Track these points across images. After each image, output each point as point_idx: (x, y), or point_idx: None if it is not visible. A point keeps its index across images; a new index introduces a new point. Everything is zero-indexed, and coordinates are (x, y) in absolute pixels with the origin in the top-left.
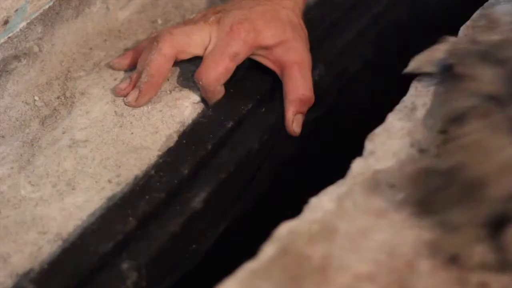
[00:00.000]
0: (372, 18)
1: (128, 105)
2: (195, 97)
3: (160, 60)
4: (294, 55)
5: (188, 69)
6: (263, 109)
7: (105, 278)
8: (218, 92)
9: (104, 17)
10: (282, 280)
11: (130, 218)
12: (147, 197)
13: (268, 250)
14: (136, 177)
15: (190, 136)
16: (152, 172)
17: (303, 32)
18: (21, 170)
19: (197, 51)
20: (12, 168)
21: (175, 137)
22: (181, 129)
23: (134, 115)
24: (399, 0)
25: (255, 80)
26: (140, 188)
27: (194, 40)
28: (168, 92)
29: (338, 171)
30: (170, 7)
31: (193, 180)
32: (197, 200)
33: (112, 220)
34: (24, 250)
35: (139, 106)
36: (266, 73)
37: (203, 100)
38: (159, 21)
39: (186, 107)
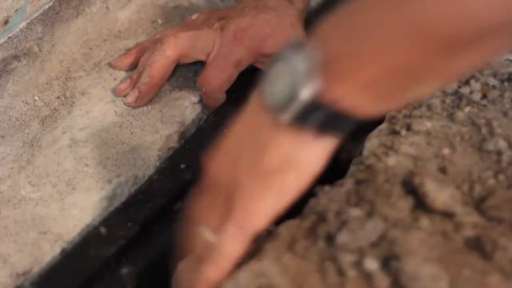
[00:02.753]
0: None
1: (128, 106)
2: (195, 97)
3: (162, 61)
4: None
5: (188, 69)
6: None
7: (105, 283)
8: (220, 98)
9: (104, 17)
10: (283, 279)
11: (133, 223)
12: (149, 202)
13: (268, 249)
14: (136, 177)
15: (192, 141)
16: (155, 176)
17: None
18: (21, 170)
19: (200, 56)
20: (12, 168)
21: (175, 137)
22: (181, 129)
23: (134, 115)
24: None
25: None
26: (143, 192)
27: (198, 45)
28: (168, 92)
29: (339, 173)
30: (170, 7)
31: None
32: None
33: (115, 225)
34: (24, 250)
35: (138, 107)
36: None
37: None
38: (159, 21)
39: (186, 107)
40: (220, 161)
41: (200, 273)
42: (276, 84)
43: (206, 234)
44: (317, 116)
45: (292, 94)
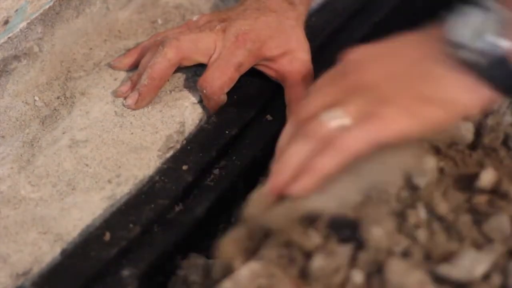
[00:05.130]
0: (373, 26)
1: (128, 108)
2: (195, 97)
3: (164, 64)
4: (297, 65)
5: (188, 69)
6: (267, 117)
7: (106, 285)
8: (221, 100)
9: (104, 17)
10: (283, 279)
11: (134, 225)
12: (151, 203)
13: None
14: (136, 177)
15: (194, 142)
16: (157, 177)
17: (305, 43)
18: (21, 170)
19: (201, 58)
20: (12, 168)
21: (175, 137)
22: (181, 129)
23: (134, 115)
24: (399, 8)
25: (258, 87)
26: (145, 194)
27: (200, 48)
28: (168, 92)
29: None
30: (170, 7)
31: (197, 188)
32: (200, 209)
33: (116, 226)
34: (24, 250)
35: (139, 109)
36: (269, 80)
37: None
38: (159, 21)
39: (186, 107)
40: (377, 76)
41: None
42: (469, 24)
43: (338, 115)
44: (498, 70)
45: (481, 34)
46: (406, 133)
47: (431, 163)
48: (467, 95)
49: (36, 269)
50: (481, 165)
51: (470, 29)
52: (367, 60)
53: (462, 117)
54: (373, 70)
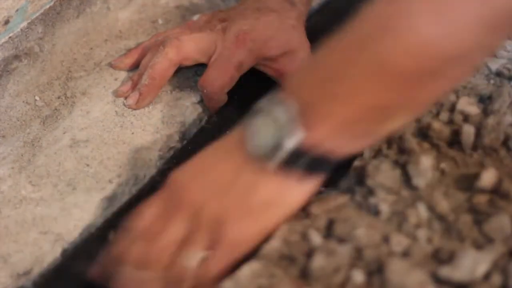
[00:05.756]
0: None
1: (129, 108)
2: (196, 97)
3: (164, 64)
4: (298, 65)
5: (188, 69)
6: None
7: (107, 284)
8: (221, 100)
9: (104, 17)
10: (284, 279)
11: None
12: None
13: (268, 247)
14: (136, 177)
15: (195, 142)
16: (157, 177)
17: (306, 43)
18: (22, 170)
19: (202, 58)
20: (12, 168)
21: (176, 137)
22: (182, 129)
23: (134, 115)
24: None
25: (258, 87)
26: (146, 194)
27: (200, 48)
28: (169, 92)
29: (340, 172)
30: (170, 7)
31: None
32: None
33: (117, 226)
34: (24, 250)
35: (139, 109)
36: (269, 80)
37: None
38: (160, 21)
39: (186, 107)
40: (205, 196)
41: None
42: (259, 136)
43: (190, 257)
44: (301, 162)
45: (277, 144)
46: (256, 241)
47: (427, 162)
48: (292, 193)
49: (37, 269)
50: (482, 165)
51: (266, 137)
52: (188, 180)
53: (296, 210)
54: (197, 189)
